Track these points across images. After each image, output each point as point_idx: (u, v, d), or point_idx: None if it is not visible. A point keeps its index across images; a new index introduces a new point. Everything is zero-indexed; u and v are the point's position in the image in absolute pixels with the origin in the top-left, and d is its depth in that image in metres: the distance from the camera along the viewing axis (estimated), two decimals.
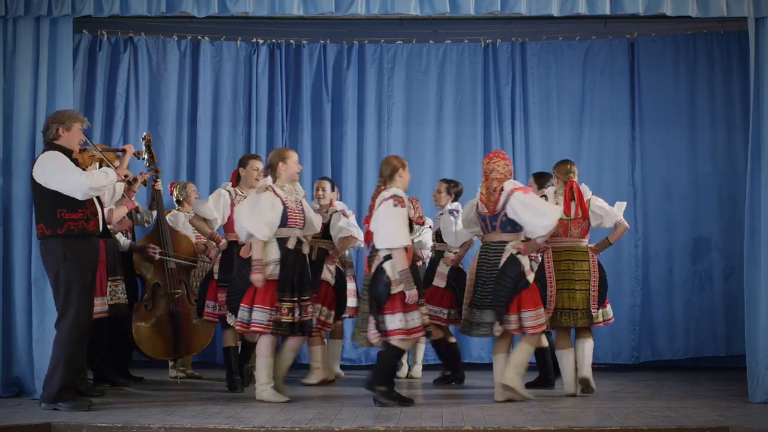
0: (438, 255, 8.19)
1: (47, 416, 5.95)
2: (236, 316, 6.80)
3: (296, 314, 6.71)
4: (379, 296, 6.54)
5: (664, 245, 9.58)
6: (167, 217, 8.20)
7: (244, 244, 6.92)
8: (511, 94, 9.82)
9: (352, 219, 8.33)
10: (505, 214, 6.81)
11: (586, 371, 7.21)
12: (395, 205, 6.59)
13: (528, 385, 7.21)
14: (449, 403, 6.83)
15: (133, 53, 9.56)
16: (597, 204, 7.30)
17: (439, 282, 8.03)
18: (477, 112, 9.81)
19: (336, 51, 9.90)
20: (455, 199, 8.09)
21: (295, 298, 6.72)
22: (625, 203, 7.47)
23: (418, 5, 7.09)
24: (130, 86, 9.55)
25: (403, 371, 8.64)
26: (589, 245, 7.30)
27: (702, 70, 9.62)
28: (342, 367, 8.82)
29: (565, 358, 7.21)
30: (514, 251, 6.77)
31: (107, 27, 9.34)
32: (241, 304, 6.73)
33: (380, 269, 6.56)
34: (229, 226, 7.43)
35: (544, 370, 7.76)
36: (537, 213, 6.71)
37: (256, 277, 6.63)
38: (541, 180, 7.90)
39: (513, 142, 9.77)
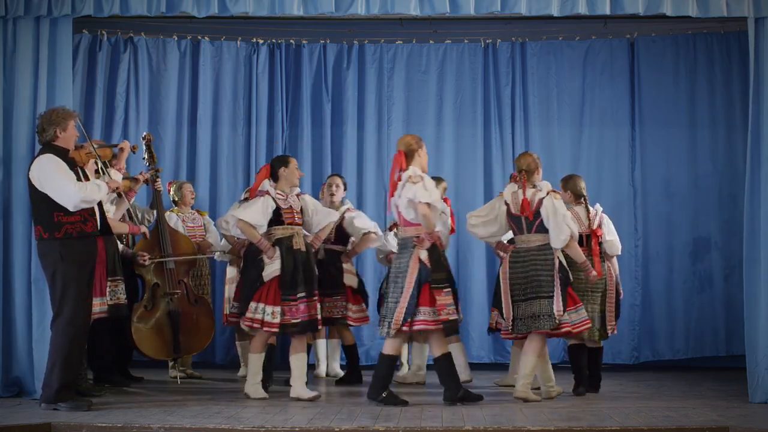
0: None
1: (47, 416, 5.95)
2: None
3: None
4: None
5: (664, 245, 9.58)
6: None
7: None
8: (511, 94, 9.81)
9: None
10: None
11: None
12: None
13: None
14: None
15: (133, 53, 9.56)
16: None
17: None
18: (477, 112, 9.81)
19: (336, 51, 9.90)
20: None
21: None
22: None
23: (418, 5, 7.09)
24: (130, 86, 9.54)
25: (402, 371, 8.63)
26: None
27: (702, 70, 9.61)
28: (342, 367, 8.81)
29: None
30: None
31: (107, 27, 9.33)
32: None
33: None
34: None
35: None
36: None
37: None
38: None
39: (513, 142, 9.76)
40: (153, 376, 8.27)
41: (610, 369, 9.21)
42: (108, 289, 7.27)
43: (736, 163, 9.29)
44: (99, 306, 7.02)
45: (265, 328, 6.88)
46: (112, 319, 7.38)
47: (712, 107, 9.58)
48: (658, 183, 9.65)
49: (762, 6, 6.95)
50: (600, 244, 7.26)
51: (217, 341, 9.30)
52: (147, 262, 7.78)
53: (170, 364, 8.36)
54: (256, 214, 6.91)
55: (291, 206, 7.08)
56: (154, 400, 6.84)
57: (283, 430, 5.61)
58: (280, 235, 6.96)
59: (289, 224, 7.01)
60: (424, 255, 6.57)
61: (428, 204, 6.49)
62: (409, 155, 6.74)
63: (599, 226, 7.27)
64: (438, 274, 6.57)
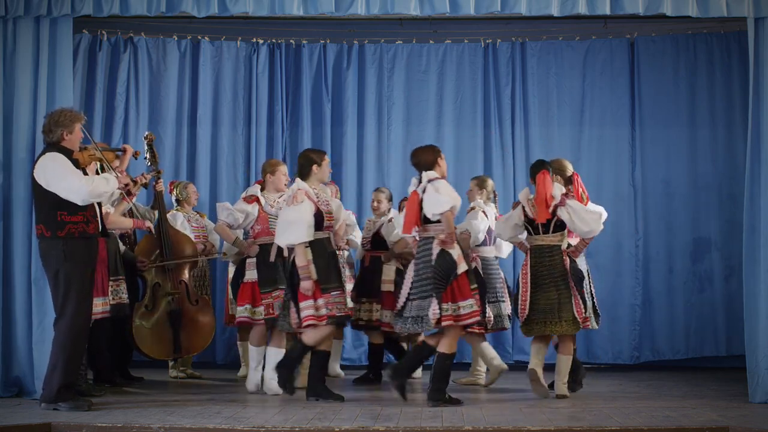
0: None
1: (47, 416, 5.95)
2: None
3: None
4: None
5: (664, 245, 9.57)
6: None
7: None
8: (511, 94, 9.82)
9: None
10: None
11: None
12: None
13: None
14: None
15: (133, 53, 9.56)
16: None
17: None
18: (477, 112, 9.81)
19: (336, 51, 9.90)
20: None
21: None
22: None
23: (418, 5, 7.09)
24: (130, 86, 9.54)
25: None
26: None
27: (702, 70, 9.61)
28: (342, 367, 8.82)
29: None
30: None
31: (107, 27, 9.33)
32: None
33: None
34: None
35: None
36: None
37: None
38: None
39: (513, 142, 9.77)
40: (153, 376, 8.27)
41: (610, 369, 9.24)
42: (110, 289, 7.29)
43: (736, 163, 9.28)
44: (101, 306, 7.04)
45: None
46: (113, 318, 7.39)
47: (712, 107, 9.58)
48: (658, 183, 9.64)
49: (762, 6, 6.95)
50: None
51: (218, 341, 9.30)
52: (146, 267, 7.79)
53: (170, 364, 8.37)
54: None
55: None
56: (154, 400, 6.84)
57: (283, 430, 5.61)
58: None
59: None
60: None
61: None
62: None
63: None
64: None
